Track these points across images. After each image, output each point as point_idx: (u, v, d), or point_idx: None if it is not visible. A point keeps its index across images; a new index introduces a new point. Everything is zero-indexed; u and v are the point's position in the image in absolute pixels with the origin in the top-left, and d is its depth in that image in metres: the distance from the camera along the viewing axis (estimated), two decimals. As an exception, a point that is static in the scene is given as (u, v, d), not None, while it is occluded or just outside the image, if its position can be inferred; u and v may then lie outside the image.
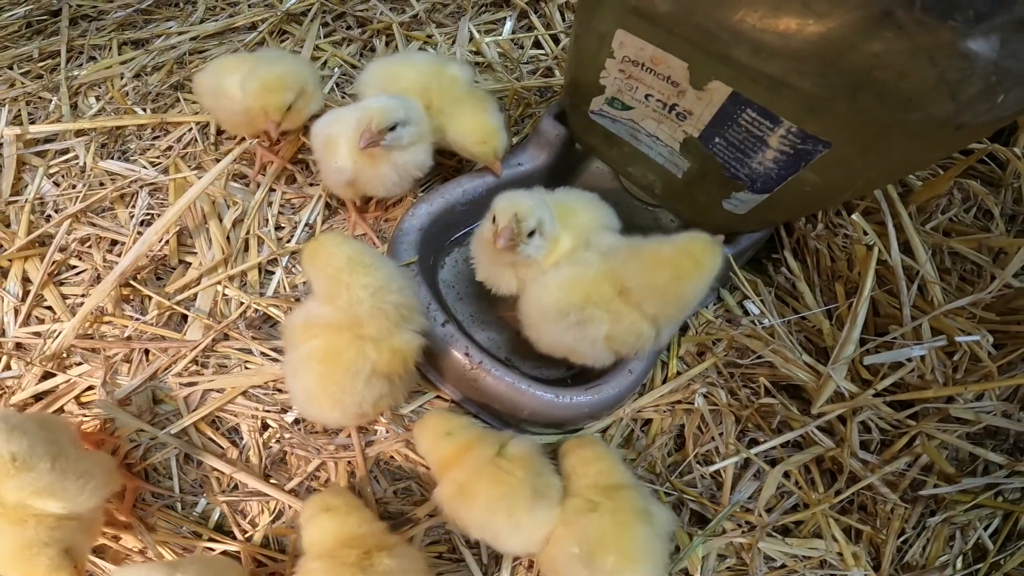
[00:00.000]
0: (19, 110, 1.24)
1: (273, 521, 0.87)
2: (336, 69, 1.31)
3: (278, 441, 0.92)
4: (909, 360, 0.82)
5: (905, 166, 0.78)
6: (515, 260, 0.81)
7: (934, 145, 0.68)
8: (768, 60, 0.63)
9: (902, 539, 0.85)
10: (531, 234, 0.78)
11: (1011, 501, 0.87)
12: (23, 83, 1.29)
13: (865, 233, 0.88)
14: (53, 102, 1.26)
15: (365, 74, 1.06)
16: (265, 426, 0.93)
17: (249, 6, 1.42)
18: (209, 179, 1.04)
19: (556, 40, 1.38)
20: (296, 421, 0.93)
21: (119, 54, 1.34)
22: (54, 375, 0.96)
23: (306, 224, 1.10)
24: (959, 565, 0.84)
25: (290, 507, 0.87)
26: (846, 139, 0.66)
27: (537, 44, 1.39)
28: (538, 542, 0.72)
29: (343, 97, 1.26)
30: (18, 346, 0.99)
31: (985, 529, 0.86)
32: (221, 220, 1.08)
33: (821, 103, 0.64)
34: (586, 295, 0.78)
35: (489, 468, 0.72)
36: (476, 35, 1.37)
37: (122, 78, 1.29)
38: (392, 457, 0.91)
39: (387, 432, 0.92)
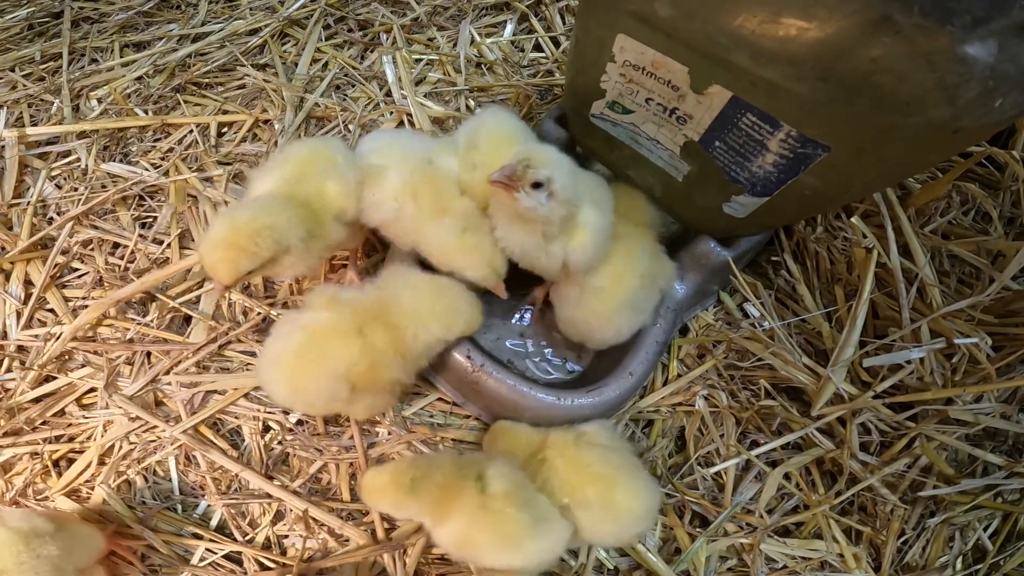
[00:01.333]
0: (21, 112, 1.24)
1: (274, 523, 0.88)
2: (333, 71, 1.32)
3: (280, 443, 0.92)
4: (908, 362, 0.82)
5: (903, 170, 0.78)
6: (521, 212, 0.75)
7: (932, 149, 0.68)
8: (767, 65, 0.63)
9: (902, 540, 0.86)
10: (537, 186, 0.73)
11: (1010, 502, 0.87)
12: (25, 85, 1.30)
13: (864, 236, 0.89)
14: (55, 104, 1.26)
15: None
16: (267, 428, 0.93)
17: (251, 10, 1.42)
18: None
19: (556, 43, 1.38)
20: (299, 422, 0.93)
21: (120, 56, 1.35)
22: (56, 377, 0.96)
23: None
24: (959, 566, 0.85)
25: (291, 508, 0.88)
26: (845, 143, 0.66)
27: (538, 47, 1.39)
28: (558, 554, 0.73)
29: (343, 99, 1.27)
30: (20, 348, 0.99)
31: (985, 530, 0.86)
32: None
33: (820, 107, 0.64)
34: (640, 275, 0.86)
35: (481, 513, 0.70)
36: (477, 38, 1.38)
37: (124, 80, 1.29)
38: (394, 458, 0.91)
39: (389, 434, 0.93)
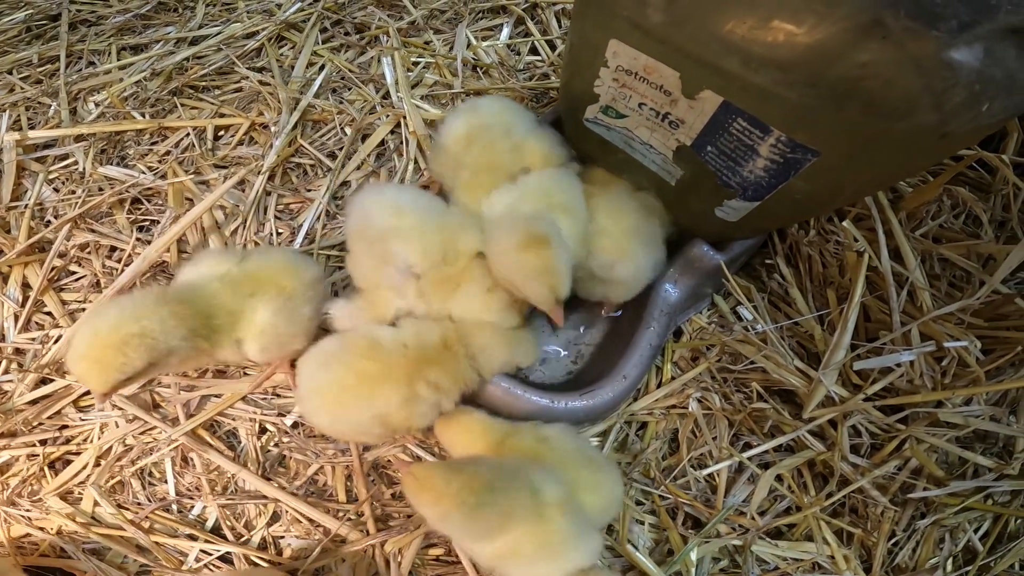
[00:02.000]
0: (19, 115, 1.25)
1: (270, 524, 0.88)
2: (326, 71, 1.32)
3: (276, 445, 0.93)
4: (898, 365, 0.83)
5: (893, 174, 0.79)
6: None
7: (920, 154, 0.69)
8: (757, 71, 0.64)
9: (892, 541, 0.86)
10: None
11: (1001, 504, 0.88)
12: (23, 88, 1.30)
13: (855, 240, 0.89)
14: (52, 107, 1.27)
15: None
16: (263, 430, 0.94)
17: (248, 14, 1.43)
18: (213, 199, 1.05)
19: (552, 46, 1.39)
20: (295, 425, 0.94)
21: (118, 59, 1.35)
22: (53, 379, 0.96)
23: (306, 232, 1.10)
24: (949, 567, 0.85)
25: (287, 509, 0.88)
26: (834, 148, 0.67)
27: (534, 50, 1.40)
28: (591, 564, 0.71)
29: (340, 102, 1.27)
30: (17, 351, 0.99)
31: (975, 532, 0.87)
32: (219, 227, 1.09)
33: (809, 113, 0.65)
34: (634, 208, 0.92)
35: (535, 524, 0.66)
36: (473, 41, 1.38)
37: (121, 83, 1.29)
38: (389, 461, 0.92)
39: (384, 436, 0.93)
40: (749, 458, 0.90)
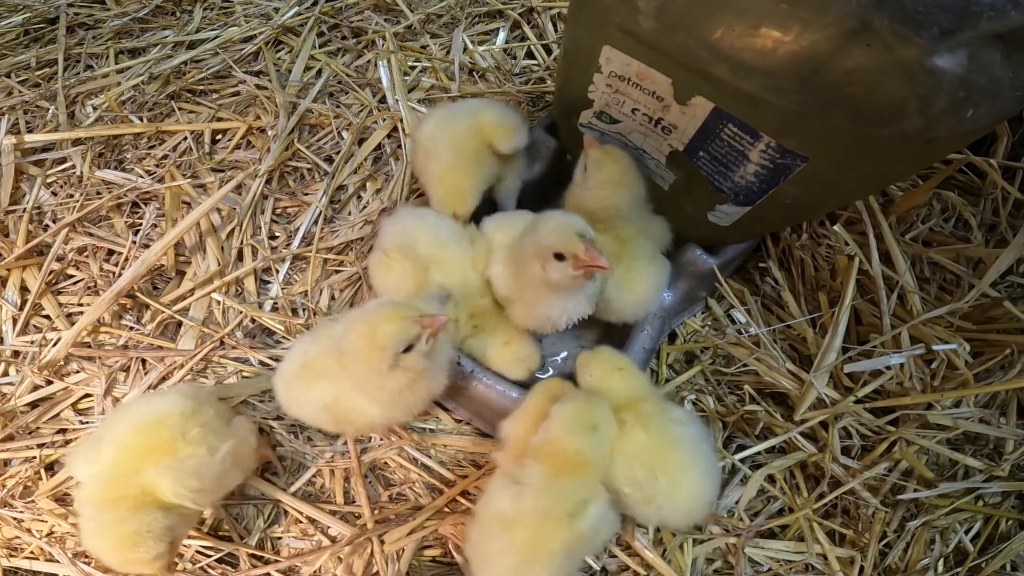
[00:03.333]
0: (17, 119, 1.25)
1: (269, 525, 0.89)
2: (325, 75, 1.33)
3: (274, 448, 0.94)
4: (888, 368, 0.84)
5: (880, 179, 0.80)
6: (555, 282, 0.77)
7: (906, 159, 0.70)
8: (746, 77, 0.65)
9: (884, 543, 0.87)
10: (560, 257, 0.74)
11: (992, 505, 0.89)
12: (21, 92, 1.31)
13: (846, 244, 0.90)
14: (51, 111, 1.28)
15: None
16: (262, 432, 0.95)
17: (245, 18, 1.43)
18: (211, 203, 1.06)
19: (548, 50, 1.40)
20: (293, 427, 0.95)
21: (116, 63, 1.36)
22: (52, 382, 0.97)
23: (303, 235, 1.11)
24: (940, 568, 0.86)
25: (286, 510, 0.89)
26: (822, 154, 0.68)
27: (530, 54, 1.41)
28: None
29: (337, 106, 1.28)
30: (16, 354, 1.00)
31: (967, 533, 0.87)
32: (216, 231, 1.10)
33: (797, 119, 0.66)
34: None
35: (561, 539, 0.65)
36: (470, 45, 1.39)
37: (119, 87, 1.30)
38: (386, 463, 0.93)
39: (381, 439, 0.94)
40: (742, 460, 0.90)
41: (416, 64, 1.36)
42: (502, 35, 1.42)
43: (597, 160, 0.87)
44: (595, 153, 0.87)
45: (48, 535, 0.88)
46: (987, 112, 0.62)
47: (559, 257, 0.73)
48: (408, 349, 0.69)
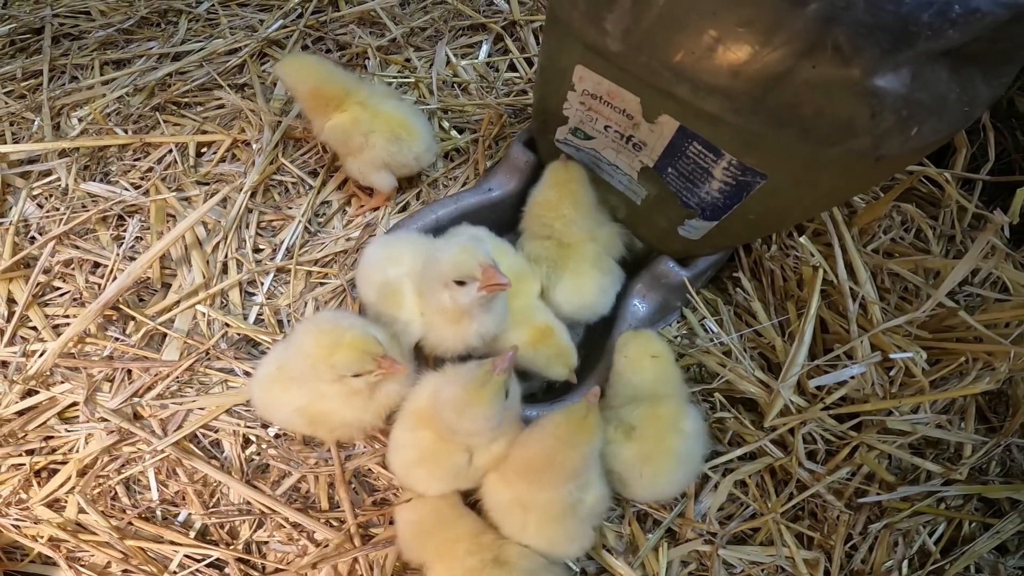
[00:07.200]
0: (3, 130, 1.27)
1: (254, 531, 0.91)
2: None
3: (259, 454, 0.95)
4: (852, 378, 0.87)
5: (838, 194, 0.83)
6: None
7: (859, 176, 0.73)
8: (706, 98, 0.68)
9: (849, 544, 0.90)
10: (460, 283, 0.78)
11: (953, 508, 0.92)
12: (6, 103, 1.32)
13: (812, 255, 0.93)
14: (36, 122, 1.29)
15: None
16: (247, 441, 0.96)
17: (230, 30, 1.45)
18: (196, 217, 1.08)
19: (530, 63, 1.42)
20: (278, 435, 0.96)
21: (101, 74, 1.37)
22: (38, 392, 0.98)
23: (287, 248, 1.13)
24: (905, 570, 0.88)
25: (271, 516, 0.91)
26: (780, 171, 0.71)
27: (512, 67, 1.43)
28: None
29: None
30: (3, 364, 1.01)
31: (930, 535, 0.90)
32: (201, 244, 1.11)
33: (754, 138, 0.68)
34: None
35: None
36: (453, 59, 1.41)
37: (104, 99, 1.31)
38: (369, 470, 0.95)
39: (365, 446, 0.96)
40: (715, 467, 0.93)
41: (394, 80, 1.37)
42: (485, 48, 1.44)
43: (553, 166, 0.96)
44: (555, 162, 0.96)
45: (43, 539, 0.90)
46: (933, 129, 0.64)
47: (460, 283, 0.77)
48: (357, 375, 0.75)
